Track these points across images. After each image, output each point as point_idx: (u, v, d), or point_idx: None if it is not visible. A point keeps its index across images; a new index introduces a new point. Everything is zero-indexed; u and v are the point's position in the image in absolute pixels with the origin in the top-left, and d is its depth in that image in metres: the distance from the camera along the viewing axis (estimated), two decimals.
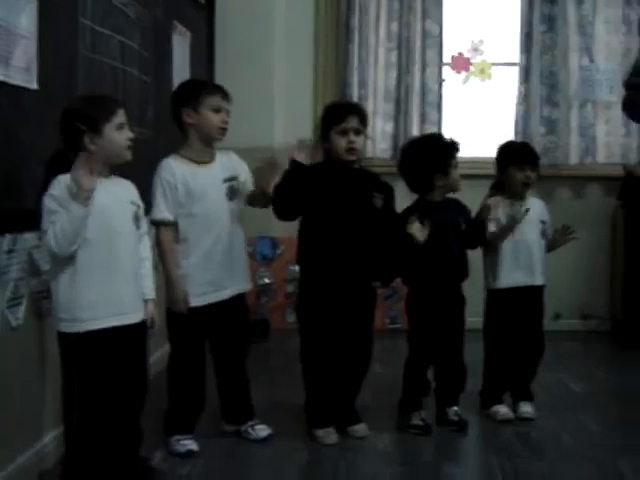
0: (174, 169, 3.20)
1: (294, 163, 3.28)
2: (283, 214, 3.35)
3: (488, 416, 3.67)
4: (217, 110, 3.23)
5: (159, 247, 3.20)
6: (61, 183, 2.58)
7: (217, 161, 3.31)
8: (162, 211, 3.18)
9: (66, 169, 2.59)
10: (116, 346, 2.69)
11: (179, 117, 3.25)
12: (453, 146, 3.53)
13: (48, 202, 2.57)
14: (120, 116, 2.72)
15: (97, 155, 2.62)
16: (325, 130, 3.38)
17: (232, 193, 3.28)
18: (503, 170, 3.69)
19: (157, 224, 3.20)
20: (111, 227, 2.68)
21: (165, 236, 3.19)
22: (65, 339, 2.67)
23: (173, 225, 3.19)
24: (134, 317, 2.76)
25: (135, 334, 2.77)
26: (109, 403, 2.72)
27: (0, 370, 2.71)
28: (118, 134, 2.70)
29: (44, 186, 2.61)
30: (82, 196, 2.52)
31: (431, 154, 3.50)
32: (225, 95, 3.29)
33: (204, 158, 3.27)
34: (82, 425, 2.67)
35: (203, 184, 3.21)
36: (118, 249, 2.70)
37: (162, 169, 3.21)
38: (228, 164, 3.33)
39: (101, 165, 2.65)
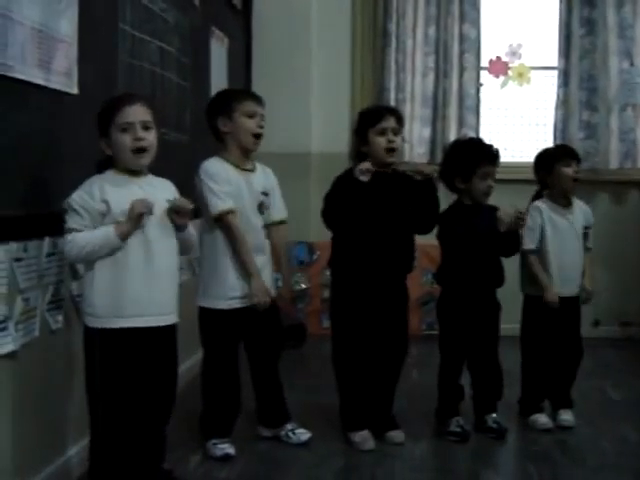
0: (219, 167, 3.20)
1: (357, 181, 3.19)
2: (335, 224, 3.33)
3: (527, 424, 3.63)
4: (252, 115, 3.24)
5: (232, 239, 3.15)
6: (90, 184, 2.56)
7: (258, 172, 3.33)
8: (223, 200, 3.14)
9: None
10: (141, 347, 2.62)
11: (215, 127, 3.26)
12: (484, 155, 3.47)
13: (75, 199, 2.54)
14: (126, 115, 2.58)
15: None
16: (362, 133, 3.36)
17: (261, 207, 3.29)
18: (549, 172, 3.64)
19: (223, 215, 3.14)
20: (144, 230, 2.61)
21: (235, 222, 3.14)
22: (88, 333, 2.62)
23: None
24: (160, 320, 2.67)
25: (162, 337, 2.69)
26: (135, 407, 2.63)
27: (41, 373, 2.73)
28: (122, 136, 2.59)
29: None
30: (124, 230, 2.53)
31: (455, 156, 3.52)
32: (258, 100, 3.30)
33: (245, 166, 3.28)
34: (107, 426, 2.60)
35: (244, 190, 3.23)
36: (150, 252, 2.62)
37: (209, 166, 3.20)
38: (265, 179, 3.35)
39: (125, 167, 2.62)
